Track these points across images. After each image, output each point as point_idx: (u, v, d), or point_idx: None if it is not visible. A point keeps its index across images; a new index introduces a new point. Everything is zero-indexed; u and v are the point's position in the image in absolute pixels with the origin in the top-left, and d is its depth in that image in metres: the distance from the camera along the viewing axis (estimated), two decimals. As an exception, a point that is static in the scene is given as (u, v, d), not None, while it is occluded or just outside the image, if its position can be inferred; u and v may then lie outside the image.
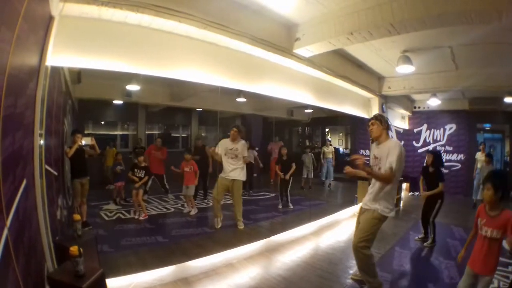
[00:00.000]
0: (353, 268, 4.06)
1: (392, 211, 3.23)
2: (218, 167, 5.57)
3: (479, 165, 7.86)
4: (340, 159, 10.40)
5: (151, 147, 7.67)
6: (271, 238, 4.79)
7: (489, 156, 7.42)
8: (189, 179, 6.27)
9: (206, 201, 7.41)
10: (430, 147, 10.11)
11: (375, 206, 3.20)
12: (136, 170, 5.93)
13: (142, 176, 5.91)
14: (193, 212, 6.31)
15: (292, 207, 7.16)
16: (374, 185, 3.25)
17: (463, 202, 8.65)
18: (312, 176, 9.15)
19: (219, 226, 5.29)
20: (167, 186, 7.59)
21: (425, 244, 5.04)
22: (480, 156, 7.97)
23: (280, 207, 7.17)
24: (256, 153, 9.01)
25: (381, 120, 3.30)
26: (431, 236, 5.02)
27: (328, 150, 9.88)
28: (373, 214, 3.19)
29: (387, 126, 3.30)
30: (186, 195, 6.34)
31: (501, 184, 2.39)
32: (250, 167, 8.64)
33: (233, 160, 5.23)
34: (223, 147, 5.27)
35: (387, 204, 3.18)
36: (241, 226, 5.31)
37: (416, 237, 5.28)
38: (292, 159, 7.17)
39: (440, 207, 4.98)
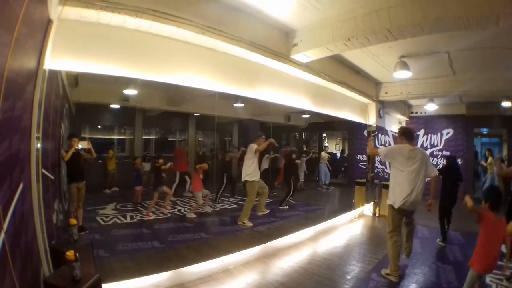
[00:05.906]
0: (350, 273, 4.06)
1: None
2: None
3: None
4: (338, 164, 10.54)
5: (180, 149, 8.78)
6: (268, 244, 4.77)
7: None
8: (196, 185, 6.56)
9: (216, 204, 7.63)
10: (428, 152, 10.13)
11: None
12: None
13: (165, 176, 6.76)
14: (191, 215, 6.48)
15: (286, 207, 7.52)
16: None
17: (461, 207, 8.58)
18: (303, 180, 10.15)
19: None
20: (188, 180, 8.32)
21: (438, 240, 5.39)
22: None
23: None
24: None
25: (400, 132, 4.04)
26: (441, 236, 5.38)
27: (325, 155, 10.97)
28: None
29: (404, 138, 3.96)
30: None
31: (487, 197, 2.88)
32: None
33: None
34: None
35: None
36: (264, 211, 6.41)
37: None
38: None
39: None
